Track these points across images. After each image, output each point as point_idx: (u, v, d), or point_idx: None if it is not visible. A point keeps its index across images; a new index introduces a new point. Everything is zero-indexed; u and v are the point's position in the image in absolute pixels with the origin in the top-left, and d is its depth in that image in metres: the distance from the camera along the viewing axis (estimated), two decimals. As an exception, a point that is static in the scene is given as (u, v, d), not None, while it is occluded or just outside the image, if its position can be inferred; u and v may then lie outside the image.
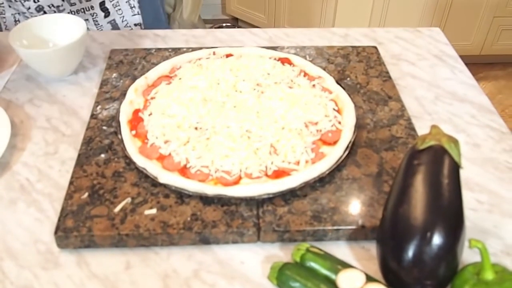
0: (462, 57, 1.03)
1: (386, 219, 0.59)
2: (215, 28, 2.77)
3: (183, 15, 2.59)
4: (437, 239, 0.55)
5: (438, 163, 0.58)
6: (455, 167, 0.59)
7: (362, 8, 2.41)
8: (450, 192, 0.57)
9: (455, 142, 0.60)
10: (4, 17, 1.17)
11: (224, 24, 2.98)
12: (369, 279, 0.58)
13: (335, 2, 2.40)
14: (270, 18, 2.74)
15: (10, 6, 1.15)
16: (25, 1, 1.10)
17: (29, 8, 1.12)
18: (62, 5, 1.13)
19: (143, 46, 1.04)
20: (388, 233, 0.58)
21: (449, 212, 0.56)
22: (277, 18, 2.71)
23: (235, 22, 3.02)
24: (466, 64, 1.01)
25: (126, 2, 1.20)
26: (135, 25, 1.23)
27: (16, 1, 1.11)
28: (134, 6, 1.21)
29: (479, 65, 2.58)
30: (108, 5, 1.18)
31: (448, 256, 0.56)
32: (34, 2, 1.11)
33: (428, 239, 0.55)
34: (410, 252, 0.55)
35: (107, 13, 1.19)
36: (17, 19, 1.17)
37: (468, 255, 0.60)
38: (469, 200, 0.71)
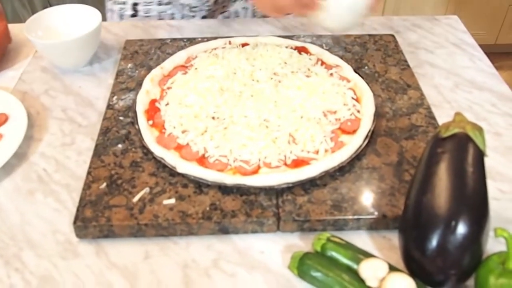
0: (476, 46, 1.01)
1: (409, 208, 0.58)
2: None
3: None
4: (461, 228, 0.53)
5: (463, 151, 0.57)
6: (480, 155, 0.58)
7: (375, -3, 2.39)
8: (475, 181, 0.56)
9: (479, 129, 0.59)
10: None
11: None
12: (392, 268, 0.57)
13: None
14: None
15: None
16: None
17: None
18: None
19: (157, 36, 1.03)
20: (411, 222, 0.57)
21: (474, 201, 0.55)
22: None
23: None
24: (481, 53, 0.99)
25: None
26: None
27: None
28: None
29: (495, 54, 2.52)
30: None
31: (473, 245, 0.55)
32: None
33: (452, 228, 0.54)
34: (434, 241, 0.54)
35: None
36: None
37: (491, 245, 0.59)
38: (491, 189, 0.69)
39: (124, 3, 1.13)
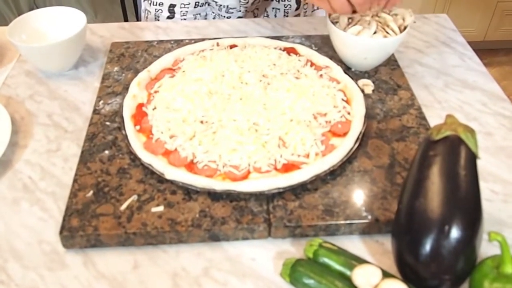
0: (464, 43, 1.01)
1: (402, 212, 0.57)
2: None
3: None
4: (455, 233, 0.53)
5: (455, 154, 0.57)
6: (472, 158, 0.57)
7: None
8: (468, 184, 0.55)
9: (471, 132, 0.58)
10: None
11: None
12: (385, 274, 0.56)
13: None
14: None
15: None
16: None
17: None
18: None
19: (144, 38, 1.02)
20: (404, 227, 0.56)
21: (467, 204, 0.55)
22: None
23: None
24: (469, 50, 0.99)
25: None
26: None
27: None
28: None
29: (483, 51, 2.54)
30: None
31: (467, 249, 0.54)
32: None
33: (446, 233, 0.53)
34: (427, 246, 0.53)
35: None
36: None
37: (485, 248, 0.58)
38: (484, 190, 0.69)
39: (161, 4, 1.12)
